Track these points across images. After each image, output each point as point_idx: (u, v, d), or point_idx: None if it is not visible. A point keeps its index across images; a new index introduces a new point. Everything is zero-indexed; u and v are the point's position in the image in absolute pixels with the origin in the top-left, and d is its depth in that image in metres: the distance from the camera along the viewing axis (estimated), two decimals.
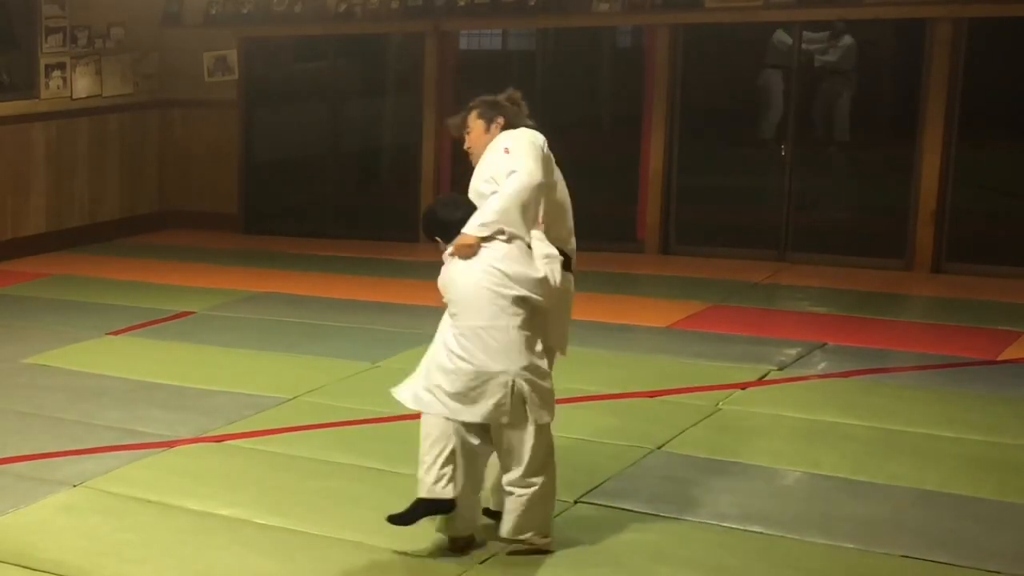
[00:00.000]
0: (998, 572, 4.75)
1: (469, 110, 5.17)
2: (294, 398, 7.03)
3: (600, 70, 12.21)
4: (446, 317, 4.95)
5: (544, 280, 4.83)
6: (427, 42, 11.48)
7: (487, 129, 5.07)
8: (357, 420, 6.59)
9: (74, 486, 5.75)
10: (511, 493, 4.90)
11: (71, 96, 11.59)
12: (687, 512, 5.33)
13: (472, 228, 4.84)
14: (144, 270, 10.62)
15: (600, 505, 5.41)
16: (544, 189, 4.90)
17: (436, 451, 4.89)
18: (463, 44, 11.87)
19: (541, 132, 5.05)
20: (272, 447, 6.26)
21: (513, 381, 4.77)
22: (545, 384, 4.87)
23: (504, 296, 4.80)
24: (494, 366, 4.77)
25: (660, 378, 7.22)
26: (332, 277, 10.25)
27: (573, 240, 5.16)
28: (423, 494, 4.92)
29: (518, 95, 5.18)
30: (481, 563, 4.89)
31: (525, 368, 4.80)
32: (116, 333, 8.56)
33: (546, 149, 4.98)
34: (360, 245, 11.52)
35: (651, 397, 6.90)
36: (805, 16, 10.37)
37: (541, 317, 4.91)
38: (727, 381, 7.14)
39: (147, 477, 5.88)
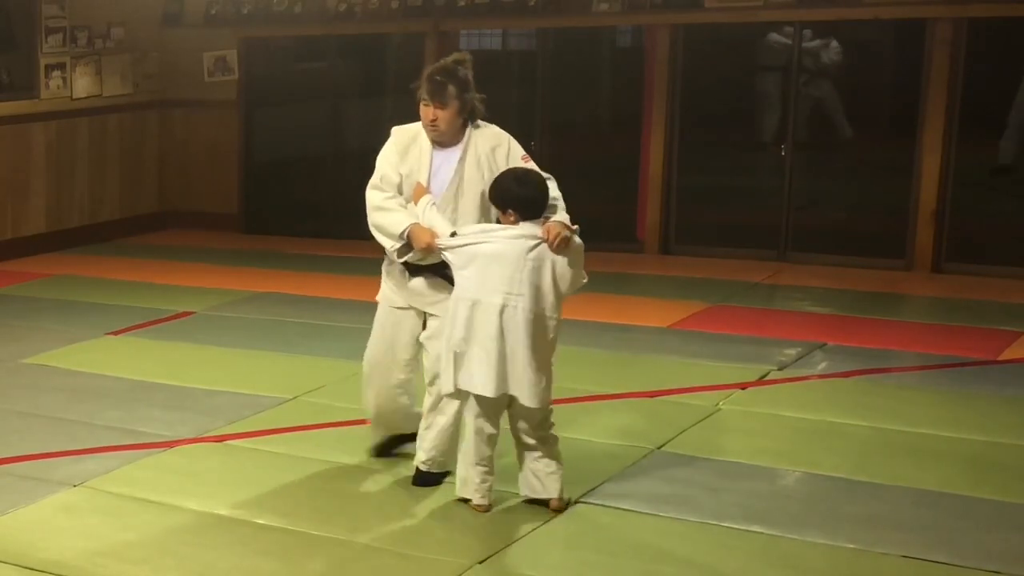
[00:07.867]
0: (998, 572, 4.75)
1: (445, 84, 5.38)
2: (294, 398, 7.03)
3: (600, 70, 12.20)
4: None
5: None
6: (427, 42, 11.46)
7: (459, 113, 5.41)
8: (357, 420, 6.58)
9: (74, 486, 5.75)
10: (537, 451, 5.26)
11: (71, 96, 11.59)
12: (687, 512, 5.33)
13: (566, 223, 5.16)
14: (144, 270, 10.62)
15: (600, 505, 5.40)
16: None
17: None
18: (463, 44, 11.84)
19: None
20: (272, 447, 6.26)
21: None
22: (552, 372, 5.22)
23: (563, 292, 5.15)
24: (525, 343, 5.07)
25: (660, 378, 7.21)
26: (332, 277, 10.24)
27: None
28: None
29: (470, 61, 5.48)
30: (480, 563, 4.89)
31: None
32: (116, 333, 8.55)
33: None
34: (360, 245, 11.47)
35: (651, 397, 6.90)
36: (805, 16, 10.36)
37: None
38: (727, 381, 7.14)
39: (147, 477, 5.88)
